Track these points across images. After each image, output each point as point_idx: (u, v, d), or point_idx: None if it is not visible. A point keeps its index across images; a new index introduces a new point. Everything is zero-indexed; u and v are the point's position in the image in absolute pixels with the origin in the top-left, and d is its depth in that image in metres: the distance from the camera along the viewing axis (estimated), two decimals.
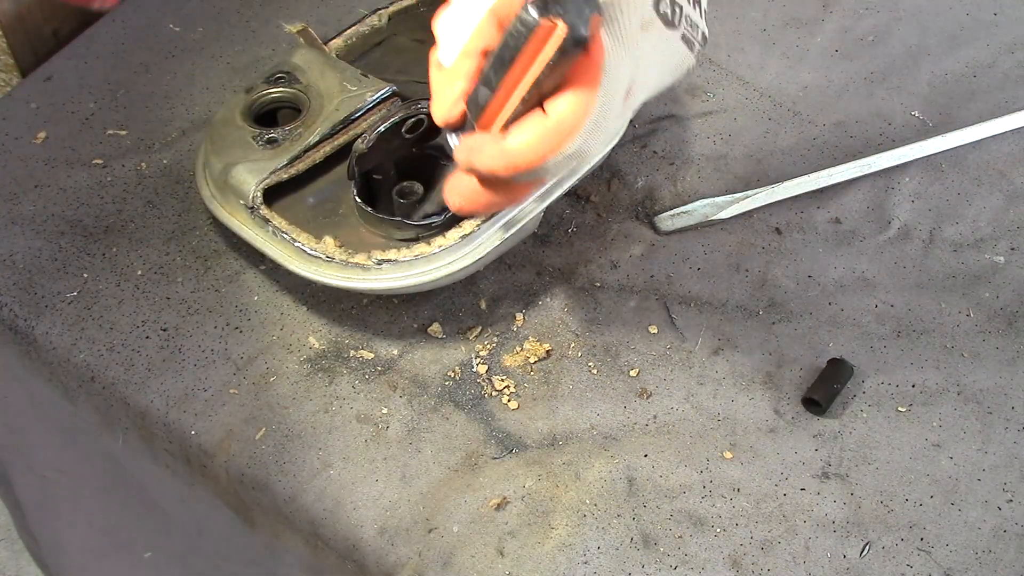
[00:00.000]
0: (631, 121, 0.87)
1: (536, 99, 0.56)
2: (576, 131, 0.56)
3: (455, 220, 0.73)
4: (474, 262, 0.73)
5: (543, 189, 0.65)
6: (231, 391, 0.73)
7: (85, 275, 0.78)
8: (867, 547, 0.67)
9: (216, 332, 0.76)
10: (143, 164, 0.84)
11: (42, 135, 0.86)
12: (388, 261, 0.72)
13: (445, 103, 0.61)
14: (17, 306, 0.76)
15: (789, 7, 0.97)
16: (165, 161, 0.85)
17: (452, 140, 0.62)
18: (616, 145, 0.80)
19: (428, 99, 0.75)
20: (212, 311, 0.77)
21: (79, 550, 0.99)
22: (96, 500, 0.91)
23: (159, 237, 0.80)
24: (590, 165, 0.61)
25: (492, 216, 0.73)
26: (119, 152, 0.85)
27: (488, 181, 0.61)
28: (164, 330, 0.75)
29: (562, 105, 0.56)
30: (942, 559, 0.67)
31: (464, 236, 0.72)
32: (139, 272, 0.78)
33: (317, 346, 0.75)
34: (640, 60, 0.60)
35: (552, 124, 0.56)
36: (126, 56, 0.91)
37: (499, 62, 0.56)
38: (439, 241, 0.72)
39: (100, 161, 0.84)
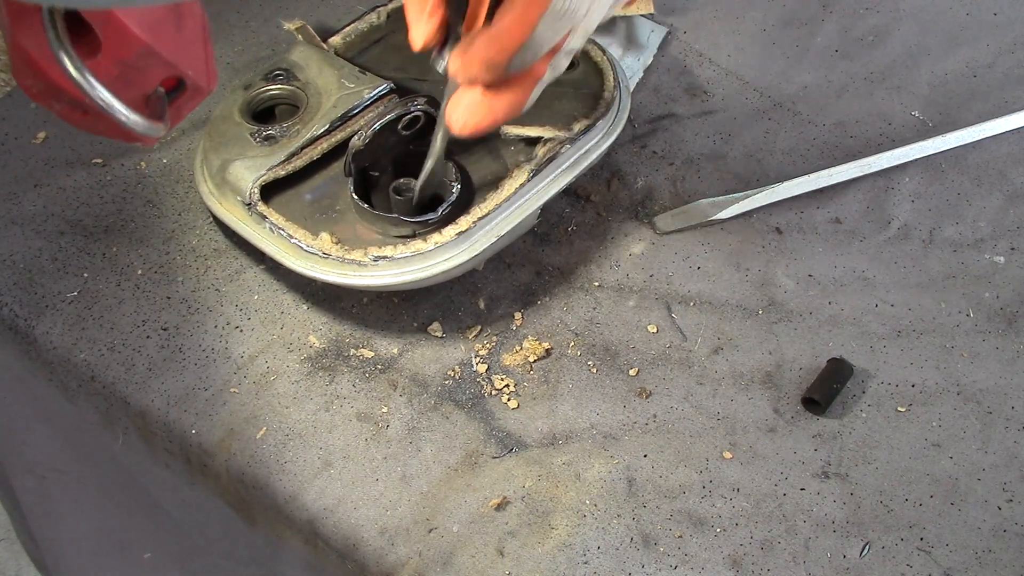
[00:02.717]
0: (631, 120, 0.88)
1: None
2: None
3: (452, 217, 0.73)
4: (471, 259, 0.73)
5: (547, 81, 0.64)
6: (231, 390, 0.73)
7: (85, 275, 0.78)
8: (867, 547, 0.67)
9: (216, 331, 0.76)
10: (143, 163, 0.84)
11: (42, 135, 0.86)
12: (384, 258, 0.72)
13: (421, 23, 0.61)
14: (17, 306, 0.76)
15: (789, 7, 0.97)
16: (165, 160, 0.85)
17: (442, 62, 0.62)
18: (616, 144, 0.80)
19: (425, 97, 0.76)
20: (212, 310, 0.77)
21: (79, 550, 0.99)
22: (96, 500, 0.91)
23: (159, 236, 0.80)
24: (579, 43, 0.60)
25: (489, 213, 0.73)
26: (119, 152, 0.85)
27: (489, 86, 0.60)
28: (164, 329, 0.75)
29: None
30: (942, 559, 0.67)
31: (460, 233, 0.72)
32: (139, 272, 0.78)
33: (317, 345, 0.75)
34: None
35: None
36: None
37: None
38: (436, 238, 0.72)
39: (100, 161, 0.84)
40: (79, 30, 0.49)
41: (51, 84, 0.51)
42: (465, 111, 0.62)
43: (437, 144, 0.71)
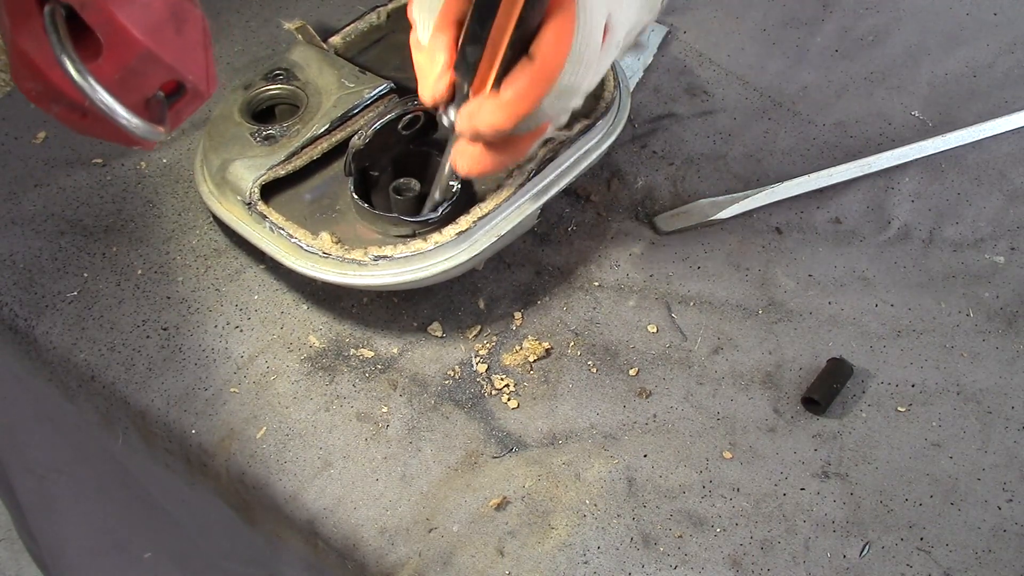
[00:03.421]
0: (631, 120, 0.88)
1: (520, 49, 0.60)
2: (560, 67, 0.61)
3: (452, 217, 0.73)
4: (471, 259, 0.73)
5: (542, 139, 0.68)
6: (231, 390, 0.73)
7: (85, 275, 0.78)
8: (867, 547, 0.67)
9: (216, 331, 0.76)
10: (143, 163, 0.84)
11: (42, 135, 0.86)
12: (384, 257, 0.72)
13: (430, 79, 0.65)
14: (17, 306, 0.76)
15: (789, 7, 0.97)
16: (165, 160, 0.85)
17: (448, 116, 0.65)
18: (616, 144, 0.80)
19: None
20: (212, 310, 0.77)
21: (79, 550, 0.99)
22: (96, 500, 0.91)
23: (159, 236, 0.80)
24: (579, 102, 0.64)
25: (488, 213, 0.73)
26: (119, 151, 0.85)
27: (492, 141, 0.65)
28: (164, 329, 0.75)
29: (544, 44, 0.60)
30: (942, 559, 0.67)
31: (460, 233, 0.72)
32: (139, 271, 0.78)
33: (317, 345, 0.75)
34: None
35: (538, 65, 0.60)
36: None
37: (481, 13, 0.59)
38: (436, 238, 0.72)
39: (100, 161, 0.84)
40: (80, 33, 0.49)
41: (51, 87, 0.51)
42: (469, 160, 0.66)
43: (444, 176, 0.72)
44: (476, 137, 0.64)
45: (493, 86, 0.62)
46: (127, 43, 0.49)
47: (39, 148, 0.85)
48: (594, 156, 0.78)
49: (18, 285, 0.77)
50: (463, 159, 0.66)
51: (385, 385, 0.74)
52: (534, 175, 0.75)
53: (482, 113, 0.63)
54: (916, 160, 0.86)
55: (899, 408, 0.73)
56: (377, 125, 0.75)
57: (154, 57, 0.50)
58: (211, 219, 0.81)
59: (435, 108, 0.67)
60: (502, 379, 0.74)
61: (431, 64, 0.65)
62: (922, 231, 0.83)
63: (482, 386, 0.74)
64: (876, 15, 0.97)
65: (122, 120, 0.50)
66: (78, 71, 0.48)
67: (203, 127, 0.85)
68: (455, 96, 0.65)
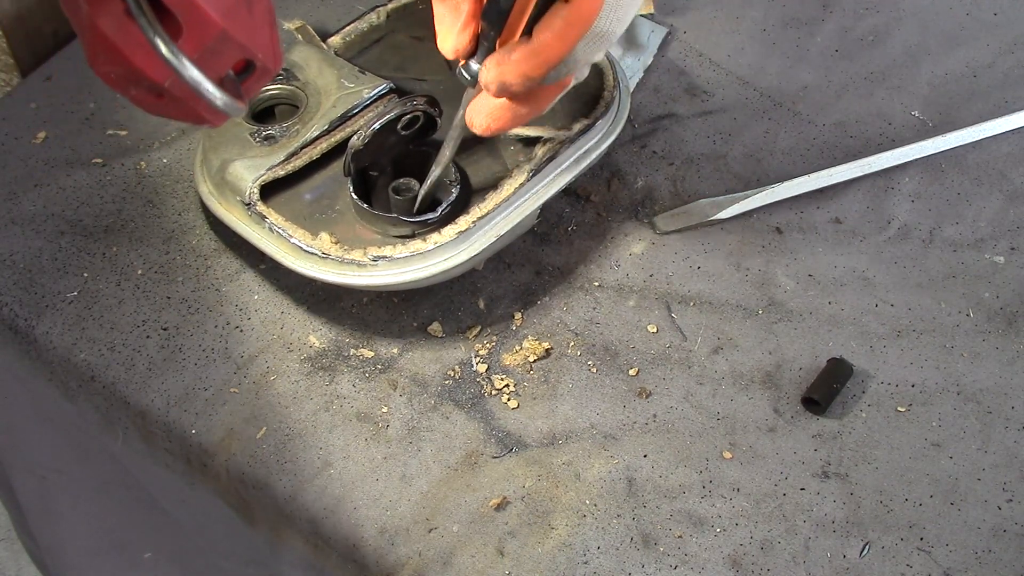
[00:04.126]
0: (631, 120, 0.88)
1: None
2: (598, 8, 0.58)
3: (451, 217, 0.73)
4: (470, 259, 0.73)
5: (562, 94, 0.66)
6: (231, 390, 0.73)
7: (85, 275, 0.78)
8: (867, 547, 0.67)
9: (216, 331, 0.76)
10: (143, 163, 0.84)
11: (42, 135, 0.86)
12: (384, 257, 0.72)
13: (453, 31, 0.62)
14: (17, 306, 0.76)
15: (789, 7, 0.97)
16: (165, 160, 0.85)
17: (470, 69, 0.63)
18: (616, 144, 0.80)
19: (424, 96, 0.76)
20: (212, 310, 0.77)
21: (79, 550, 0.99)
22: (96, 500, 0.91)
23: (159, 236, 0.80)
24: (611, 47, 0.63)
25: (488, 213, 0.73)
26: (119, 152, 0.85)
27: (517, 93, 0.62)
28: (164, 329, 0.75)
29: None
30: (942, 559, 0.67)
31: (460, 233, 0.72)
32: (139, 271, 0.78)
33: (317, 345, 0.75)
34: None
35: (574, 7, 0.58)
36: None
37: None
38: (435, 238, 0.72)
39: (100, 161, 0.84)
40: (161, 17, 0.51)
41: (132, 69, 0.52)
42: (488, 116, 0.64)
43: (447, 153, 0.71)
44: (502, 89, 0.62)
45: (523, 33, 0.60)
46: (205, 24, 0.50)
47: (39, 148, 0.85)
48: (594, 156, 0.78)
49: (18, 285, 0.77)
50: (480, 116, 0.64)
51: (385, 385, 0.74)
52: (533, 175, 0.75)
53: (512, 62, 0.60)
54: (916, 160, 0.86)
55: (899, 408, 0.73)
56: (376, 125, 0.75)
57: (230, 37, 0.51)
58: (211, 219, 0.81)
59: (454, 61, 0.64)
60: (502, 379, 0.74)
61: (455, 13, 0.62)
62: (922, 231, 0.83)
63: (482, 386, 0.74)
64: (876, 15, 0.97)
65: (209, 96, 0.51)
66: (171, 51, 0.50)
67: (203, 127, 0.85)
68: (477, 48, 0.63)
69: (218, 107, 0.52)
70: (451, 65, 0.66)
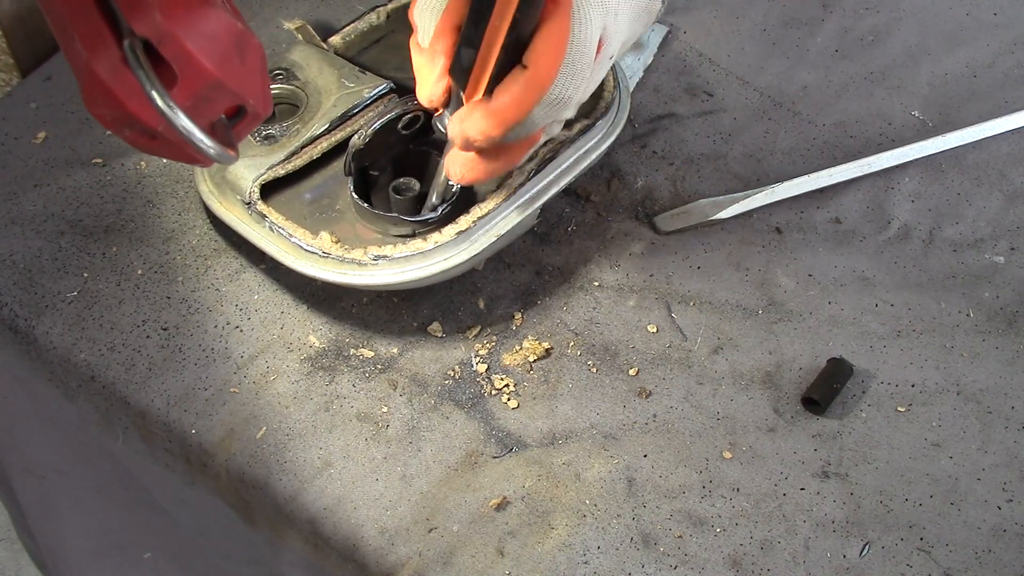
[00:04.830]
0: (631, 120, 0.88)
1: (514, 55, 0.60)
2: (552, 77, 0.61)
3: (451, 217, 0.73)
4: (471, 258, 0.73)
5: (535, 148, 0.69)
6: (231, 390, 0.73)
7: (85, 275, 0.78)
8: (867, 547, 0.67)
9: (216, 331, 0.76)
10: (143, 163, 0.84)
11: (42, 135, 0.86)
12: (384, 257, 0.72)
13: (428, 83, 0.65)
14: (17, 306, 0.76)
15: (789, 7, 0.97)
16: (165, 160, 0.85)
17: (443, 121, 0.66)
18: (616, 144, 0.80)
19: None
20: (212, 310, 0.77)
21: (78, 550, 0.99)
22: (96, 500, 0.91)
23: (159, 236, 0.80)
24: (571, 113, 0.65)
25: (488, 213, 0.73)
26: (119, 151, 0.85)
27: (484, 148, 0.65)
28: (164, 329, 0.75)
29: (537, 53, 0.60)
30: (942, 559, 0.67)
31: (460, 232, 0.72)
32: (139, 271, 0.78)
33: (317, 345, 0.75)
34: (608, 6, 0.63)
35: (530, 74, 0.60)
36: None
37: (476, 16, 0.59)
38: (435, 237, 0.72)
39: (100, 160, 0.84)
40: (155, 63, 0.53)
41: (126, 113, 0.54)
42: (462, 167, 0.67)
43: (441, 179, 0.72)
44: (467, 144, 0.64)
45: (485, 92, 0.62)
46: (199, 73, 0.53)
47: (39, 148, 0.85)
48: (594, 156, 0.78)
49: (18, 285, 0.77)
50: (455, 166, 0.67)
51: (385, 385, 0.74)
52: (534, 175, 0.75)
53: (472, 119, 0.63)
54: (916, 160, 0.86)
55: (899, 408, 0.73)
56: (377, 125, 0.75)
57: (222, 85, 0.53)
58: (211, 219, 0.81)
59: (432, 112, 0.67)
60: (502, 379, 0.74)
61: (430, 67, 0.65)
62: (922, 231, 0.83)
63: (482, 386, 0.74)
64: (876, 15, 0.97)
65: (200, 144, 0.54)
66: (165, 102, 0.52)
67: None
68: (451, 101, 0.66)
69: (210, 156, 0.54)
70: (430, 114, 0.69)
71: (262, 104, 0.57)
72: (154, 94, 0.52)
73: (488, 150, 0.65)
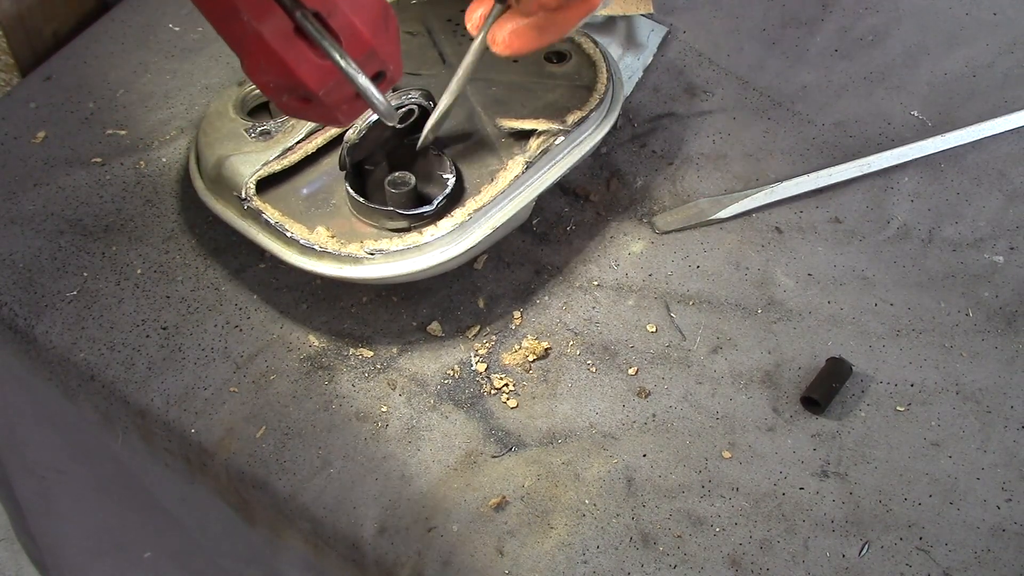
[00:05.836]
0: (631, 120, 0.88)
1: None
2: None
3: (447, 210, 0.73)
4: (466, 251, 0.73)
5: (589, 17, 0.66)
6: (231, 389, 0.73)
7: (85, 274, 0.78)
8: (866, 546, 0.67)
9: (216, 330, 0.76)
10: (142, 163, 0.84)
11: (42, 135, 0.86)
12: (380, 251, 0.72)
13: None
14: (17, 306, 0.76)
15: (789, 7, 0.97)
16: (164, 160, 0.85)
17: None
18: (615, 144, 0.80)
19: (419, 90, 0.76)
20: (212, 309, 0.77)
21: (78, 550, 0.99)
22: (96, 500, 0.91)
23: (158, 236, 0.80)
24: None
25: (484, 206, 0.73)
26: (118, 151, 0.85)
27: (549, 6, 0.63)
28: (164, 329, 0.76)
29: None
30: (941, 558, 0.67)
31: (456, 225, 0.72)
32: (139, 271, 0.78)
33: (317, 344, 0.75)
34: None
35: None
36: (125, 56, 0.91)
37: None
38: (431, 230, 0.72)
39: (99, 160, 0.84)
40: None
41: (292, 79, 0.59)
42: (512, 32, 0.65)
43: (455, 83, 0.72)
44: (536, 6, 0.62)
45: None
46: (360, 42, 0.58)
47: (39, 148, 0.85)
48: (588, 147, 0.78)
49: (18, 285, 0.77)
50: (504, 32, 0.65)
51: (384, 385, 0.74)
52: (528, 167, 0.75)
53: None
54: (916, 160, 0.86)
55: (898, 408, 0.73)
56: (372, 119, 0.75)
57: (375, 53, 0.60)
58: (210, 218, 0.81)
59: (428, 109, 0.66)
60: (501, 378, 0.74)
61: None
62: (922, 231, 0.83)
63: (481, 385, 0.74)
64: (876, 15, 0.97)
65: (376, 101, 0.60)
66: (347, 63, 0.58)
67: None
68: None
69: (380, 111, 0.61)
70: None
71: (398, 70, 0.62)
72: (337, 57, 0.58)
73: (541, 16, 0.64)
